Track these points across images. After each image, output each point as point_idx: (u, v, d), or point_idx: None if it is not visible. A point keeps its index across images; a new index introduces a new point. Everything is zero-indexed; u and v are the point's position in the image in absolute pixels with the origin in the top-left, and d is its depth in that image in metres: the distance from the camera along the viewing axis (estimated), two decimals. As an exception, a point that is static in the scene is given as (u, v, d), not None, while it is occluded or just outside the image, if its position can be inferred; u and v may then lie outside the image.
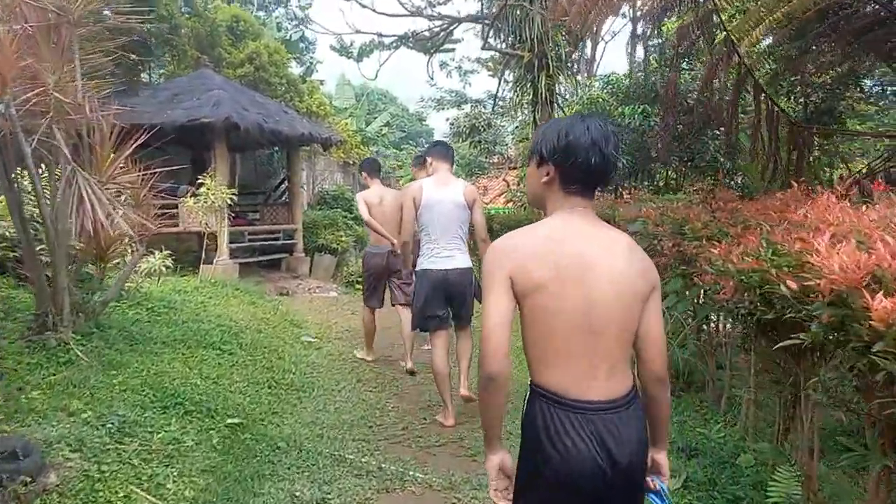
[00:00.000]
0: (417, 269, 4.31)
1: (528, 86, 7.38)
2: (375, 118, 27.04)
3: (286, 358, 5.45)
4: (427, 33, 8.15)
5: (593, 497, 1.58)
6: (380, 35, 8.21)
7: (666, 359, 1.71)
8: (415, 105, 32.80)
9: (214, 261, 10.60)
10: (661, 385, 1.71)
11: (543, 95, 7.23)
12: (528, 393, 1.67)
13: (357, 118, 24.74)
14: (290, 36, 20.27)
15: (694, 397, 4.65)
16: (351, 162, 21.19)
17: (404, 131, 29.32)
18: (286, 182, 12.91)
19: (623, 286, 1.61)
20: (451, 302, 4.26)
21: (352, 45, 8.88)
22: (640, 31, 21.06)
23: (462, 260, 4.22)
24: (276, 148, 15.10)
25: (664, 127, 9.89)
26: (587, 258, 1.59)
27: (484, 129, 16.73)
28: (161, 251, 6.35)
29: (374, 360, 5.87)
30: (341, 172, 21.60)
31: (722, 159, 10.87)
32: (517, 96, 7.45)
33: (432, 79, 12.68)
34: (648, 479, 1.75)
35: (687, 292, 4.36)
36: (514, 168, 17.37)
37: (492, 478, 1.69)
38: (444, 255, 4.17)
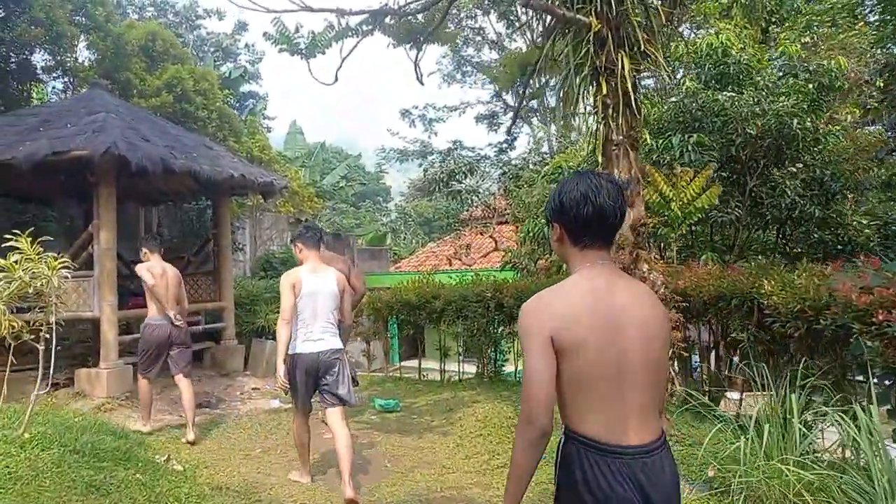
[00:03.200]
0: (291, 352, 4.46)
1: (592, 76, 4.33)
2: (330, 173, 23.94)
3: None
4: (417, 5, 5.13)
5: None
6: (341, 13, 5.12)
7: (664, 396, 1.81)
8: (374, 155, 29.92)
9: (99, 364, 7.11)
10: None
11: (622, 90, 4.18)
12: (563, 440, 1.70)
13: (311, 169, 21.60)
14: (230, 73, 17.17)
15: None
16: (304, 219, 17.89)
17: (364, 184, 26.29)
18: (211, 243, 9.51)
19: (654, 336, 1.68)
20: (323, 380, 4.48)
21: (298, 32, 5.74)
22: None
23: (333, 342, 4.55)
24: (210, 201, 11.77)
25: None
26: (618, 310, 1.64)
27: (465, 176, 13.75)
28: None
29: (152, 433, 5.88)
30: (292, 231, 18.26)
31: (807, 205, 8.08)
32: (573, 92, 4.37)
33: (422, 82, 9.53)
34: None
35: None
36: (505, 222, 14.42)
37: None
38: (315, 338, 4.45)
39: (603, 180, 1.70)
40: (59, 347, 9.27)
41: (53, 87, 11.44)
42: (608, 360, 1.61)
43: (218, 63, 20.14)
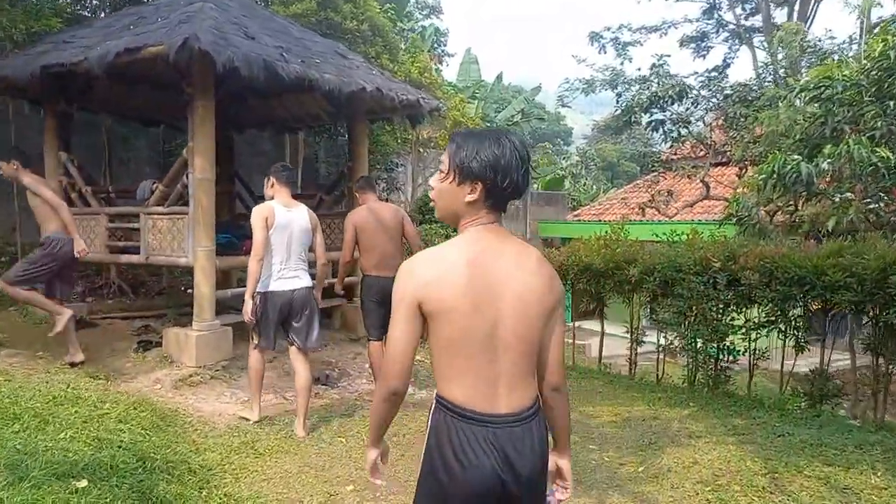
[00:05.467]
0: (262, 290, 4.34)
1: None
2: (505, 108, 21.51)
3: None
4: None
5: None
6: None
7: (563, 369, 1.76)
8: (555, 95, 26.88)
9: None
10: (559, 394, 1.76)
11: None
12: (433, 405, 1.71)
13: (483, 102, 19.42)
14: (397, -9, 15.25)
15: None
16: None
17: (542, 119, 23.56)
18: (345, 179, 7.74)
19: (531, 303, 1.64)
20: (292, 322, 4.42)
21: None
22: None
23: (306, 280, 4.48)
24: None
25: None
26: (499, 276, 1.62)
27: (672, 102, 10.66)
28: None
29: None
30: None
31: None
32: None
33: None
34: (548, 497, 1.79)
35: None
36: (723, 163, 11.19)
37: (372, 465, 1.84)
38: (289, 275, 4.37)
39: (521, 144, 1.66)
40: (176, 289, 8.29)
41: None
42: (480, 327, 1.59)
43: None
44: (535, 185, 21.78)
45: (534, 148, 31.29)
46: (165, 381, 5.26)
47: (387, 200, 13.28)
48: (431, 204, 1.81)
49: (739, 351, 5.49)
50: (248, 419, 4.65)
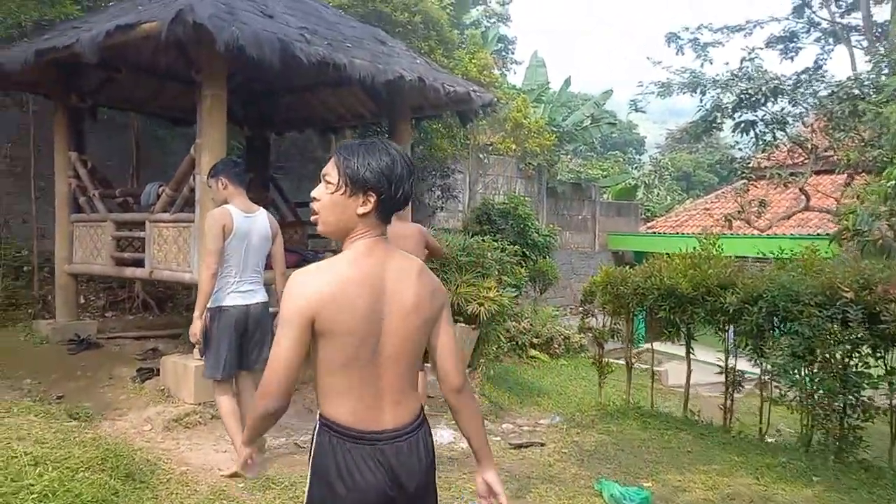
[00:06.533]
0: (213, 305, 3.78)
1: None
2: (573, 113, 20.20)
3: None
4: None
5: None
6: None
7: (463, 369, 1.73)
8: (631, 91, 25.34)
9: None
10: (462, 394, 1.71)
11: None
12: (317, 426, 1.63)
13: (549, 106, 18.23)
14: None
15: None
16: (533, 164, 14.77)
17: (614, 124, 22.04)
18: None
19: (414, 316, 1.60)
20: (246, 341, 3.87)
21: None
22: None
23: (262, 294, 3.97)
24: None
25: None
26: (383, 293, 1.57)
27: (765, 100, 9.29)
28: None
29: None
30: (522, 178, 15.27)
31: None
32: None
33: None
34: None
35: None
36: (825, 171, 9.66)
37: (245, 460, 1.84)
38: (244, 289, 3.86)
39: (407, 154, 1.62)
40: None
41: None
42: (369, 346, 1.54)
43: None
44: (606, 195, 20.37)
45: (604, 156, 29.78)
46: (157, 420, 4.45)
47: (441, 209, 12.39)
48: (314, 218, 1.61)
49: (878, 408, 4.19)
50: (239, 475, 3.74)
